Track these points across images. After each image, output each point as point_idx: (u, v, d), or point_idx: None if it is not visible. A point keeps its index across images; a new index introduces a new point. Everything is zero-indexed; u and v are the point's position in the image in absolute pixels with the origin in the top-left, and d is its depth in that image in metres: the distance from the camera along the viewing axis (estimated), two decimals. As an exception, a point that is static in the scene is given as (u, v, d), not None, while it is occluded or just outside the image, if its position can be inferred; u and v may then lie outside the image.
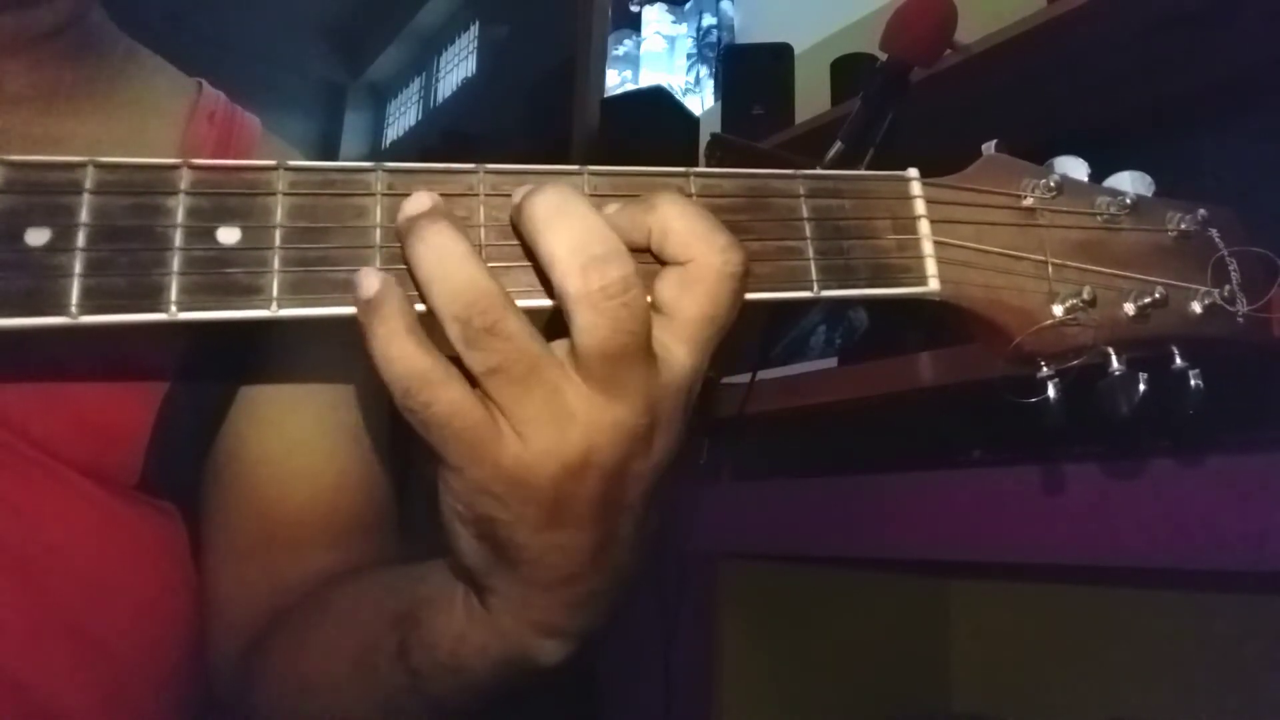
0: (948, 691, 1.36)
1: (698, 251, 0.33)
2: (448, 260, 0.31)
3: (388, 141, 4.90)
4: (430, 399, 0.31)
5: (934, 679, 1.36)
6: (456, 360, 0.32)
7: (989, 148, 0.41)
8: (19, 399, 0.45)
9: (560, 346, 0.32)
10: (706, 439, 1.12)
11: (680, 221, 0.33)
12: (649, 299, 0.32)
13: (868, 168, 0.80)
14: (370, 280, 0.32)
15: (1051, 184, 0.40)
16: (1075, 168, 0.42)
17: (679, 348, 0.33)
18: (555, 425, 0.32)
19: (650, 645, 1.16)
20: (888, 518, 0.96)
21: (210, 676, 0.54)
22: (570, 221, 0.32)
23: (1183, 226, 0.43)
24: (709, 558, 1.18)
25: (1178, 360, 0.41)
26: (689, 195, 0.36)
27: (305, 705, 0.47)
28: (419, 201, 0.33)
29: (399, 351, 0.31)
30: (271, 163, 0.33)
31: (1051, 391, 0.39)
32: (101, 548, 0.48)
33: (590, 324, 0.31)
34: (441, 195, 0.34)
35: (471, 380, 0.32)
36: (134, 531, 0.50)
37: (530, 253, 0.33)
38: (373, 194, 0.34)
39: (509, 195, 0.34)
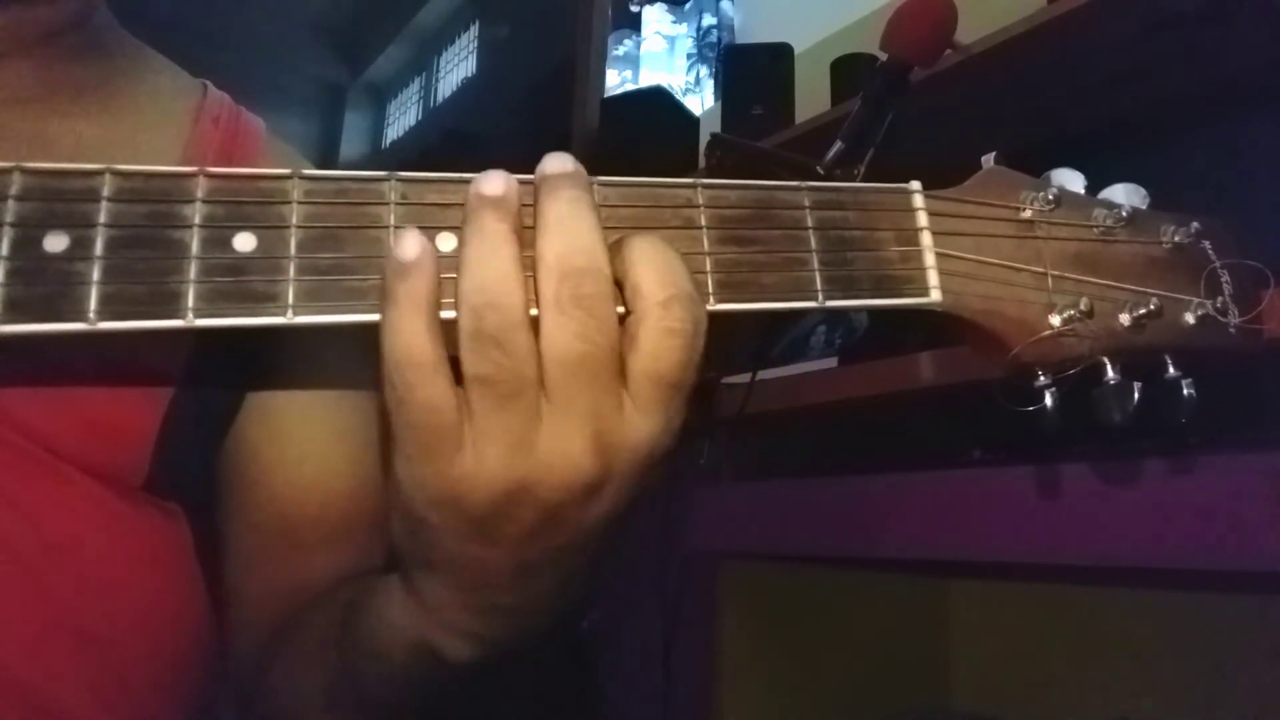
0: (948, 691, 1.36)
1: (639, 301, 0.32)
2: (488, 255, 0.31)
3: (388, 141, 4.88)
4: (415, 382, 0.31)
5: (934, 679, 1.36)
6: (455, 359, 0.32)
7: (988, 160, 0.41)
8: (25, 398, 0.45)
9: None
10: (707, 439, 1.13)
11: (636, 267, 0.32)
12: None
13: (868, 168, 0.80)
14: (411, 243, 0.31)
15: (1049, 197, 0.41)
16: (1072, 180, 0.42)
17: (629, 405, 0.32)
18: (512, 451, 0.32)
19: (650, 645, 1.17)
20: (888, 518, 0.96)
21: (232, 676, 0.54)
22: (568, 229, 0.32)
23: (1176, 239, 0.43)
24: (709, 558, 1.19)
25: (1171, 370, 0.42)
26: (695, 209, 0.36)
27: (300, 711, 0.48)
28: (494, 183, 0.32)
29: (406, 325, 0.31)
30: (286, 171, 0.34)
31: (1048, 400, 0.39)
32: (106, 548, 0.48)
33: (555, 325, 0.31)
34: (451, 203, 0.34)
35: (458, 377, 0.32)
36: (139, 532, 0.50)
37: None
38: (386, 203, 0.34)
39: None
